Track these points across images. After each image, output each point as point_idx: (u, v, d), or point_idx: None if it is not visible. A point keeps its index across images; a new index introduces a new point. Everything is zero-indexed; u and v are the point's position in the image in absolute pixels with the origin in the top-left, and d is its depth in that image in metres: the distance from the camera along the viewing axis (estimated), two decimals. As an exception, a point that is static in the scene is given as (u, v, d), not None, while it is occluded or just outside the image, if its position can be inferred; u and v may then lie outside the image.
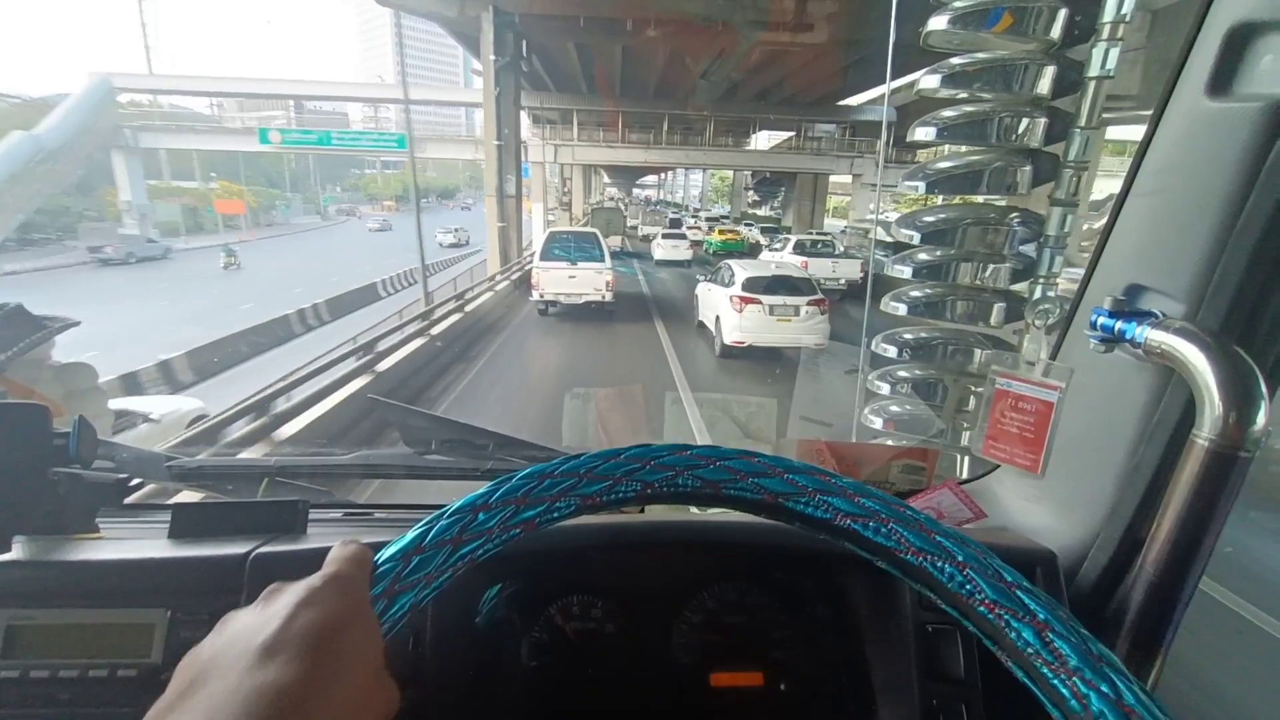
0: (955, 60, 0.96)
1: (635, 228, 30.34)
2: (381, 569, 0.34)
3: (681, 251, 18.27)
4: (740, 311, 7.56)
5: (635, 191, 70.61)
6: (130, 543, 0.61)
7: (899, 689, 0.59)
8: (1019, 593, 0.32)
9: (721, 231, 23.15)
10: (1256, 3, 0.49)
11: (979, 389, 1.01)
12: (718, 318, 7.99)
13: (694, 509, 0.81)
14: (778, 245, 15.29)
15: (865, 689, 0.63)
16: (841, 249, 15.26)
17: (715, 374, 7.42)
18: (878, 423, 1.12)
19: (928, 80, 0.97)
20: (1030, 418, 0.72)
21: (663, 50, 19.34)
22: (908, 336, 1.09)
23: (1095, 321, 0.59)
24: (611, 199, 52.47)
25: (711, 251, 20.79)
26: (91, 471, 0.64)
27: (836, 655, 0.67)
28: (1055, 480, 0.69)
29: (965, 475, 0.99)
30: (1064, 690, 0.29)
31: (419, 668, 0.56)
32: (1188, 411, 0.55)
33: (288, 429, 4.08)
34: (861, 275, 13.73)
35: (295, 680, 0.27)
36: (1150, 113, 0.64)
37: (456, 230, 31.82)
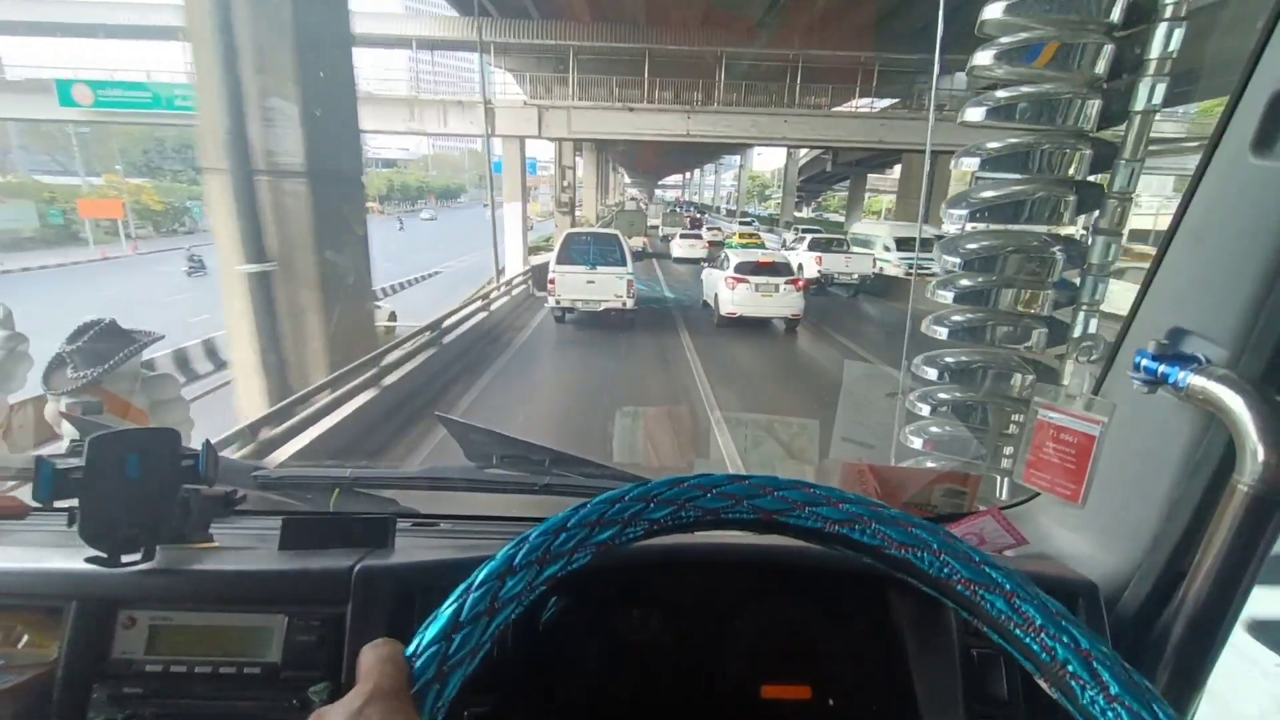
0: (1000, 93, 0.99)
1: (656, 227, 30.00)
2: (428, 652, 0.33)
3: (697, 250, 19.92)
4: (733, 289, 10.01)
5: (657, 193, 69.87)
6: (245, 553, 0.69)
7: (943, 707, 0.63)
8: (987, 568, 0.35)
9: (741, 235, 23.62)
10: None
11: (1018, 414, 1.03)
12: (716, 295, 10.51)
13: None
14: (794, 244, 15.53)
15: (910, 706, 0.67)
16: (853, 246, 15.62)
17: (712, 334, 9.99)
18: (917, 443, 1.14)
19: (972, 113, 1.00)
20: (1071, 449, 0.75)
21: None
22: (948, 360, 1.12)
23: (1139, 364, 0.62)
24: (633, 199, 52.23)
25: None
26: (207, 487, 0.72)
27: (882, 672, 0.71)
28: (1096, 510, 0.72)
29: (1005, 498, 1.01)
30: (1034, 646, 0.33)
31: (498, 676, 0.63)
32: (1228, 454, 0.58)
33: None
34: (874, 270, 14.20)
35: None
36: (1198, 143, 0.66)
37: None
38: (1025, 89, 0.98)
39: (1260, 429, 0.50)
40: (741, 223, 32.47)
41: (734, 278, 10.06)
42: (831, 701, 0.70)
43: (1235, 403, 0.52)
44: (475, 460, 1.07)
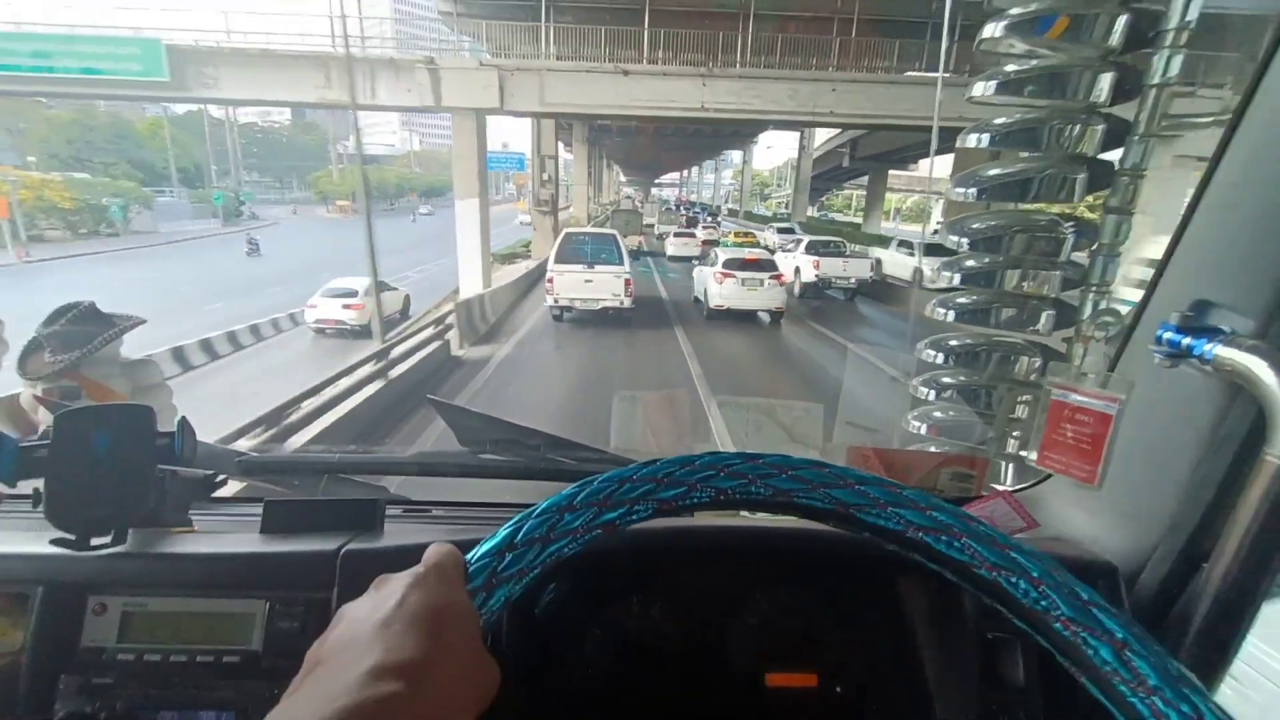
0: (1009, 67, 0.96)
1: (651, 226, 29.79)
2: (479, 564, 0.36)
3: (691, 248, 20.15)
4: (721, 284, 10.68)
5: (653, 191, 69.12)
6: (224, 536, 0.66)
7: (957, 694, 0.61)
8: (1095, 610, 0.32)
9: (737, 234, 23.71)
10: None
11: (1025, 397, 1.01)
12: (705, 289, 11.23)
13: (744, 513, 0.83)
14: (790, 246, 15.51)
15: (921, 693, 0.64)
16: (850, 249, 15.47)
17: (703, 324, 10.73)
18: (922, 428, 1.12)
19: (980, 87, 0.97)
20: (1087, 429, 0.72)
21: None
22: (953, 343, 1.10)
23: (1161, 337, 0.59)
24: (628, 198, 51.77)
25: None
26: (185, 468, 0.69)
27: (891, 659, 0.68)
28: (1113, 492, 0.70)
29: (1011, 483, 0.99)
30: (1142, 709, 0.29)
31: (497, 658, 0.59)
32: (1255, 428, 0.55)
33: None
34: (871, 274, 14.21)
35: (412, 652, 0.29)
36: (1215, 118, 0.63)
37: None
38: (1036, 62, 0.96)
39: (1296, 400, 0.48)
40: (687, 212, 31.90)
41: (722, 273, 10.72)
42: (839, 689, 0.68)
43: (1267, 373, 0.50)
44: (468, 445, 1.03)
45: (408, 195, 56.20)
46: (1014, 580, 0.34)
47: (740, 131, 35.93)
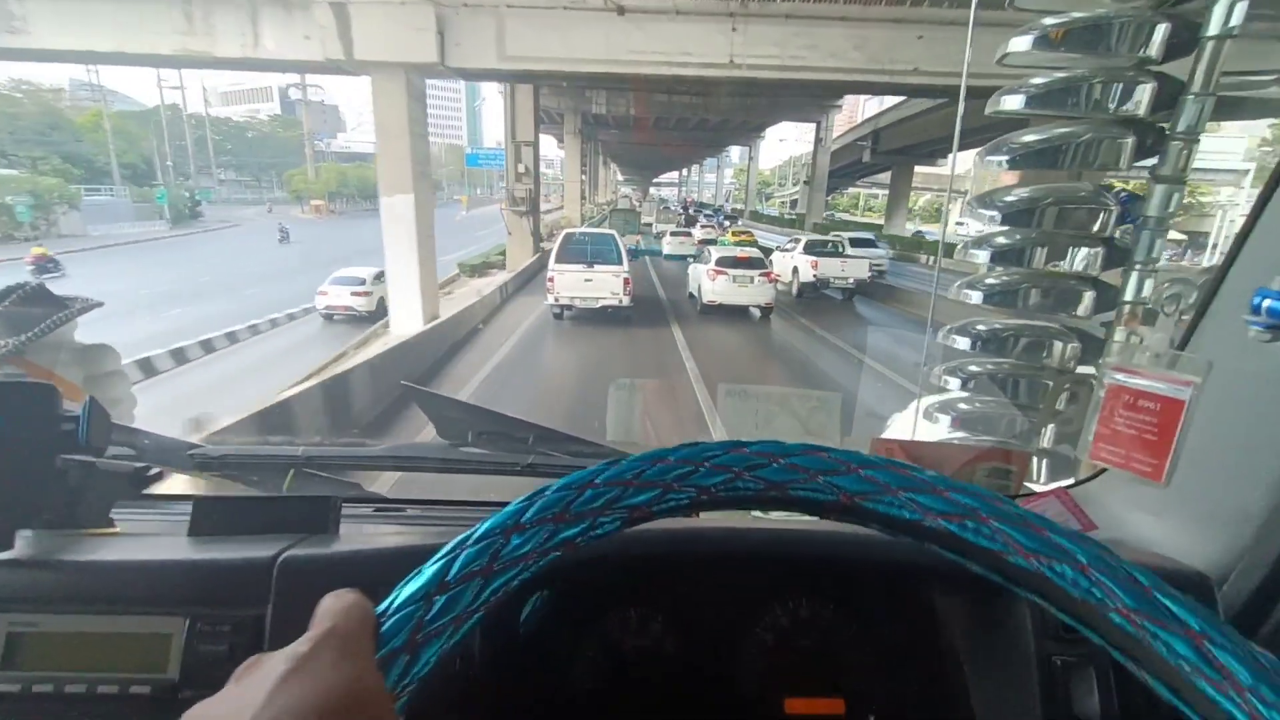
0: (1049, 20, 0.87)
1: (650, 225, 29.56)
2: (398, 615, 0.28)
3: (687, 247, 20.31)
4: (714, 280, 11.16)
5: (651, 190, 68.79)
6: (148, 540, 0.56)
7: None
8: (1162, 597, 0.26)
9: (735, 233, 23.65)
10: None
11: (1067, 385, 0.92)
12: (699, 285, 11.66)
13: (755, 512, 0.74)
14: (789, 246, 15.51)
15: None
16: (849, 250, 15.49)
17: (696, 316, 11.19)
18: (945, 420, 1.03)
19: (1017, 43, 0.88)
20: (1152, 418, 0.63)
21: None
22: (981, 328, 1.00)
23: (1259, 305, 0.50)
24: (625, 197, 51.43)
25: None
26: (106, 460, 0.58)
27: (929, 683, 0.59)
28: (1184, 490, 0.60)
29: (1044, 479, 0.90)
30: (1237, 712, 0.24)
31: (471, 691, 0.50)
32: None
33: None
34: (870, 274, 14.34)
35: None
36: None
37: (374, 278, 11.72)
38: (1078, 14, 0.86)
39: None
40: (706, 216, 31.55)
41: (715, 270, 11.28)
42: (870, 717, 0.58)
43: None
44: (449, 438, 0.94)
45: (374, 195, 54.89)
46: (1058, 569, 0.28)
47: (748, 124, 33.70)
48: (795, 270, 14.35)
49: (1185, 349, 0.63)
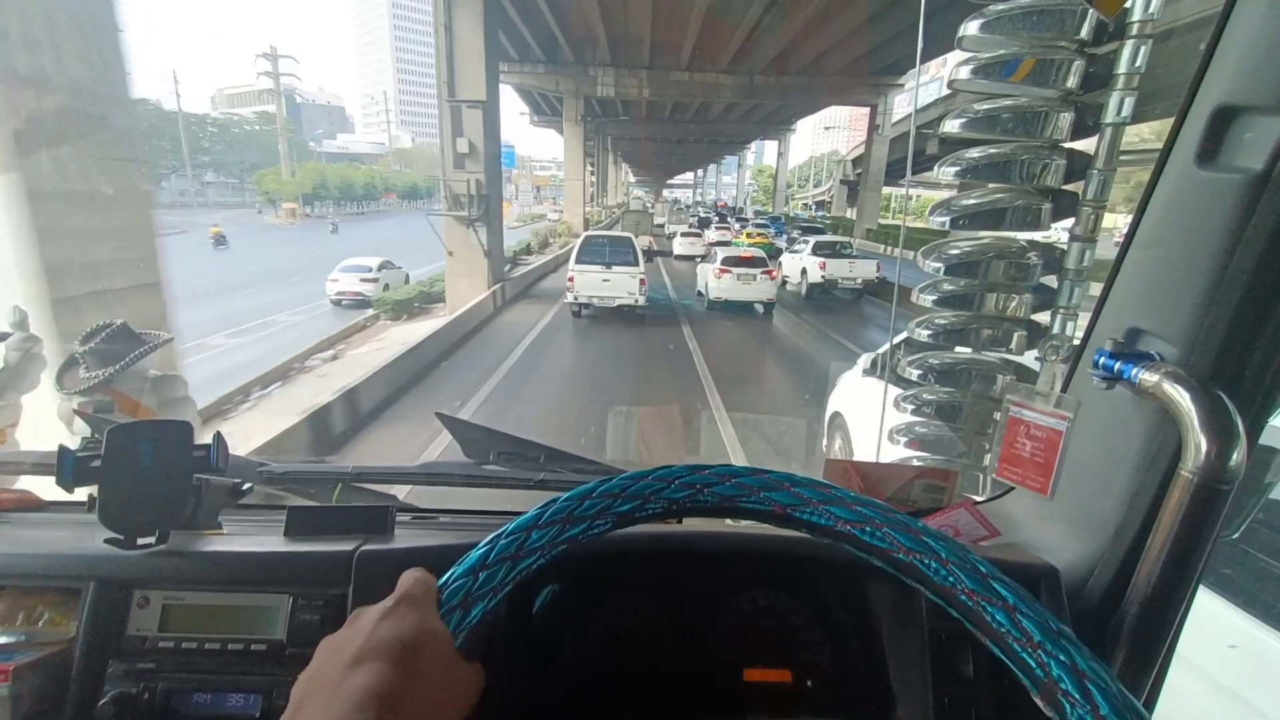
0: (978, 106, 1.03)
1: (662, 225, 29.41)
2: (455, 584, 0.40)
3: (697, 248, 20.71)
4: (719, 278, 12.25)
5: (665, 193, 68.31)
6: (253, 538, 0.73)
7: (915, 688, 0.66)
8: (992, 582, 0.37)
9: (750, 234, 23.47)
10: (1237, 86, 0.56)
11: (997, 414, 1.07)
12: (706, 283, 12.75)
13: (729, 520, 0.90)
14: (798, 248, 15.63)
15: (884, 688, 0.70)
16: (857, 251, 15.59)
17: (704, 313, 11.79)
18: (903, 443, 1.18)
19: (950, 124, 1.04)
20: (1041, 444, 0.78)
21: None
22: (933, 361, 1.16)
23: (1098, 361, 0.65)
24: (638, 198, 50.97)
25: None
26: (219, 478, 0.76)
27: (858, 657, 0.74)
28: (1064, 502, 0.75)
29: (986, 494, 1.04)
30: (1031, 661, 0.34)
31: (490, 657, 0.66)
32: (1179, 446, 0.61)
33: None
34: (876, 275, 14.36)
35: (383, 680, 0.33)
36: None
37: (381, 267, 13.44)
38: (1004, 101, 1.02)
39: (1202, 421, 0.54)
40: (756, 225, 29.47)
41: (720, 269, 12.35)
42: (810, 683, 0.73)
43: (1182, 396, 0.56)
44: (473, 457, 1.11)
45: (382, 197, 50.56)
46: (927, 561, 0.38)
47: (784, 109, 29.42)
48: (804, 271, 14.52)
49: (1065, 389, 0.79)
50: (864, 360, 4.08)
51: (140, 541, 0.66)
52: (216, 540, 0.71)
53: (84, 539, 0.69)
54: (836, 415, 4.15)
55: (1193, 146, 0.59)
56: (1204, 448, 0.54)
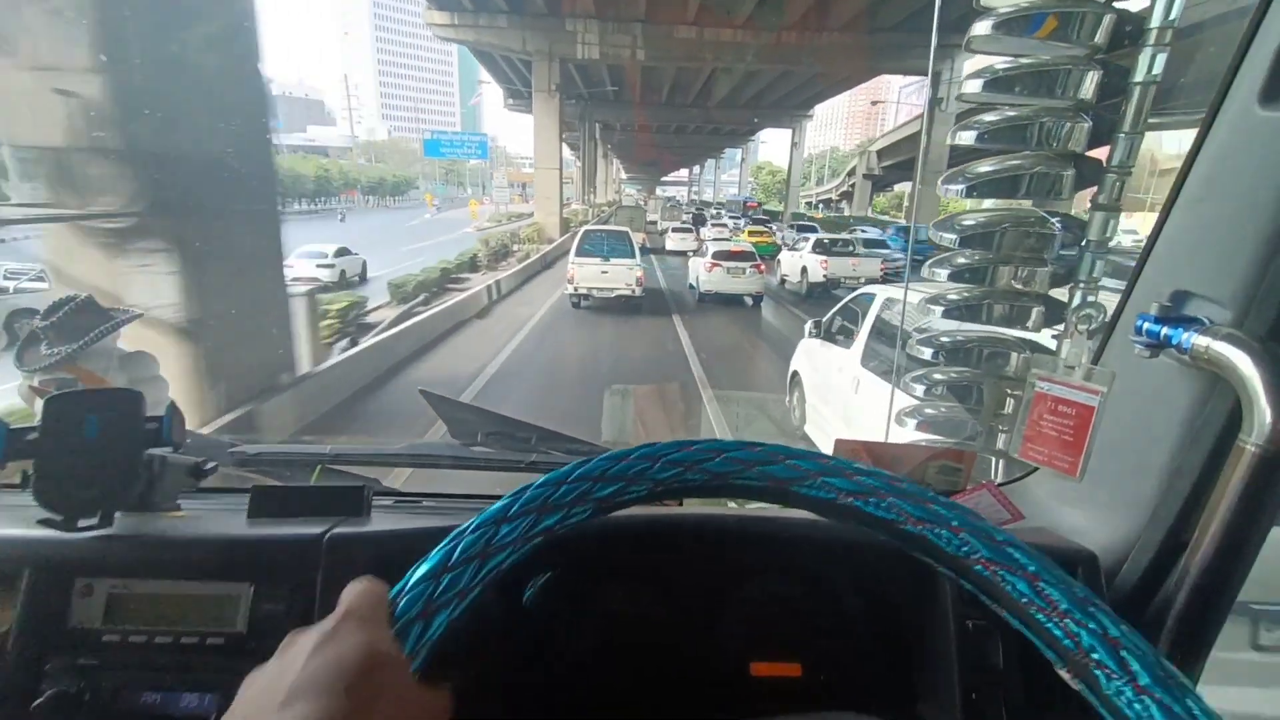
0: (998, 64, 0.97)
1: (655, 222, 29.03)
2: (413, 592, 0.34)
3: (688, 244, 20.86)
4: (710, 272, 12.51)
5: (658, 190, 68.07)
6: (211, 521, 0.66)
7: (939, 681, 0.61)
8: (1010, 549, 0.34)
9: (751, 233, 23.29)
10: None
11: (1016, 392, 1.01)
12: (698, 277, 13.03)
13: (732, 502, 0.84)
14: (799, 246, 15.54)
15: (903, 679, 0.65)
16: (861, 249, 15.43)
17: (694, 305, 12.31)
18: (912, 424, 1.12)
19: (970, 85, 0.98)
20: (1070, 421, 0.73)
21: None
22: (944, 339, 1.10)
23: (1141, 327, 0.60)
24: (630, 195, 50.67)
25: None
26: (175, 455, 0.69)
27: (875, 647, 0.69)
28: (1094, 483, 0.70)
29: (1001, 478, 0.99)
30: (1057, 631, 0.31)
31: (482, 652, 0.60)
32: (1233, 417, 0.56)
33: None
34: (881, 274, 14.22)
35: None
36: (1198, 118, 0.64)
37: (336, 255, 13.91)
38: (1025, 60, 0.96)
39: (1269, 386, 0.48)
40: (755, 220, 29.35)
41: (711, 263, 12.59)
42: (823, 678, 0.68)
43: (1242, 361, 0.51)
44: (460, 438, 1.04)
45: (340, 194, 47.26)
46: (937, 531, 0.35)
47: (789, 100, 26.99)
48: (804, 270, 14.39)
49: (1097, 362, 0.73)
50: (809, 325, 4.64)
51: (81, 523, 0.59)
52: (172, 523, 0.65)
53: (22, 520, 0.62)
54: (795, 375, 4.82)
55: (1256, 84, 0.54)
56: (1269, 416, 0.48)
